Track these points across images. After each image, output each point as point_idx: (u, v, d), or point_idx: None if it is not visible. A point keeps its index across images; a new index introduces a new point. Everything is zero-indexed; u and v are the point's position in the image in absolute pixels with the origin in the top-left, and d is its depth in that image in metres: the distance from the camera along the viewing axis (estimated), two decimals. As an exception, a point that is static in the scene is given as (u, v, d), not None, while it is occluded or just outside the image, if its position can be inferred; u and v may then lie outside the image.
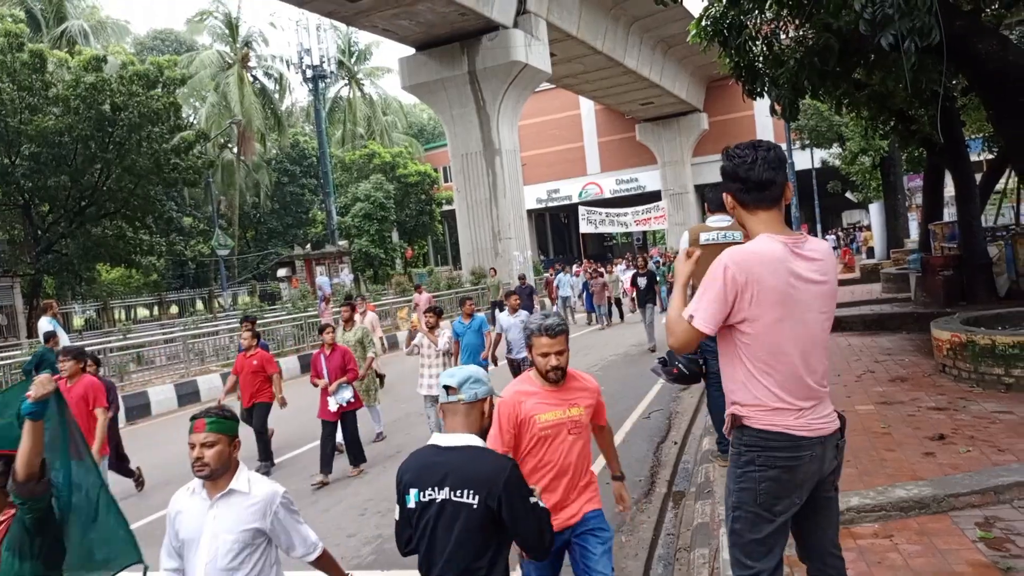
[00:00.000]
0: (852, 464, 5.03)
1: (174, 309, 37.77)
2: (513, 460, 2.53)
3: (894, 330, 11.08)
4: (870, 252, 28.66)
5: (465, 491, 2.34)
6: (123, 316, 35.99)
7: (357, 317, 11.75)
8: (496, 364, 9.22)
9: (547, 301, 24.29)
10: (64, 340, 12.42)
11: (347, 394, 7.48)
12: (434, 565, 2.38)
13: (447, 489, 2.36)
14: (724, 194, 2.52)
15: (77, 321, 31.52)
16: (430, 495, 2.39)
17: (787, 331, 2.34)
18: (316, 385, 7.69)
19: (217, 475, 2.68)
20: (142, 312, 38.90)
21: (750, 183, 2.39)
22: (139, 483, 7.98)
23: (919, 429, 5.69)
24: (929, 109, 10.59)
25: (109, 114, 21.87)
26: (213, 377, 14.57)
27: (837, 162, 26.84)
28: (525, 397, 3.09)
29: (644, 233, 69.77)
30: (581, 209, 23.75)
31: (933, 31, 5.76)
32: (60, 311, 13.56)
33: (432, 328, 7.86)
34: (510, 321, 9.07)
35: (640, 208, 24.79)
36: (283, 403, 7.99)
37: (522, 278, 20.19)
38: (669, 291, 10.51)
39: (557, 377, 3.07)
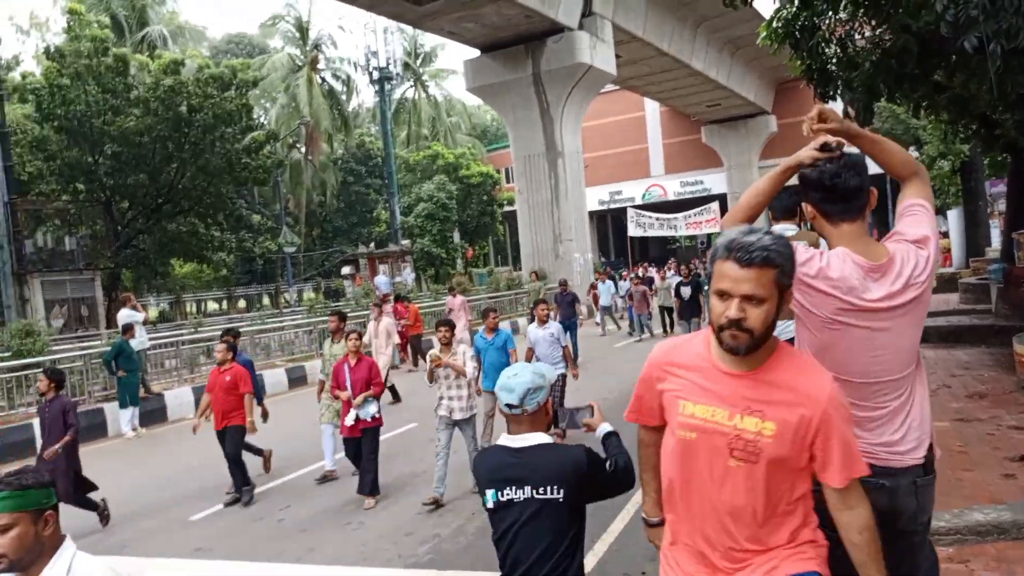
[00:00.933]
0: (925, 484, 4.85)
1: (242, 303, 38.97)
2: (584, 445, 2.53)
3: (973, 343, 10.62)
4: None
5: (549, 487, 2.41)
6: (194, 309, 37.32)
7: (371, 324, 11.98)
8: None
9: (592, 307, 23.48)
10: (141, 332, 12.99)
11: (372, 408, 6.93)
12: (520, 563, 2.43)
13: (528, 488, 2.43)
14: (804, 204, 2.32)
15: (152, 312, 32.84)
16: (508, 495, 2.45)
17: (852, 352, 2.17)
18: (338, 397, 7.13)
19: (23, 566, 1.98)
20: (212, 305, 40.25)
21: (836, 192, 2.19)
22: (104, 517, 6.94)
23: (998, 449, 5.44)
24: (1015, 113, 10.09)
25: (185, 115, 22.74)
26: (278, 372, 14.98)
27: (913, 167, 25.86)
28: (678, 368, 2.02)
29: (709, 236, 68.75)
30: (630, 212, 23.37)
31: (1021, 33, 5.49)
32: (137, 303, 14.14)
33: (447, 343, 6.81)
34: (538, 334, 8.33)
35: (691, 211, 24.17)
36: (252, 429, 7.45)
37: (563, 284, 17.26)
38: None
39: (735, 343, 1.83)
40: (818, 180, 2.22)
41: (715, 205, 25.60)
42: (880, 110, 20.36)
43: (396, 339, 12.05)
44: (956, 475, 4.96)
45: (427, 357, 6.91)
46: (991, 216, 24.37)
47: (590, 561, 4.87)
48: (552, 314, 9.61)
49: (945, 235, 31.55)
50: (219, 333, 17.13)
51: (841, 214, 2.22)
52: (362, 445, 6.86)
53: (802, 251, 2.14)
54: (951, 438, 5.83)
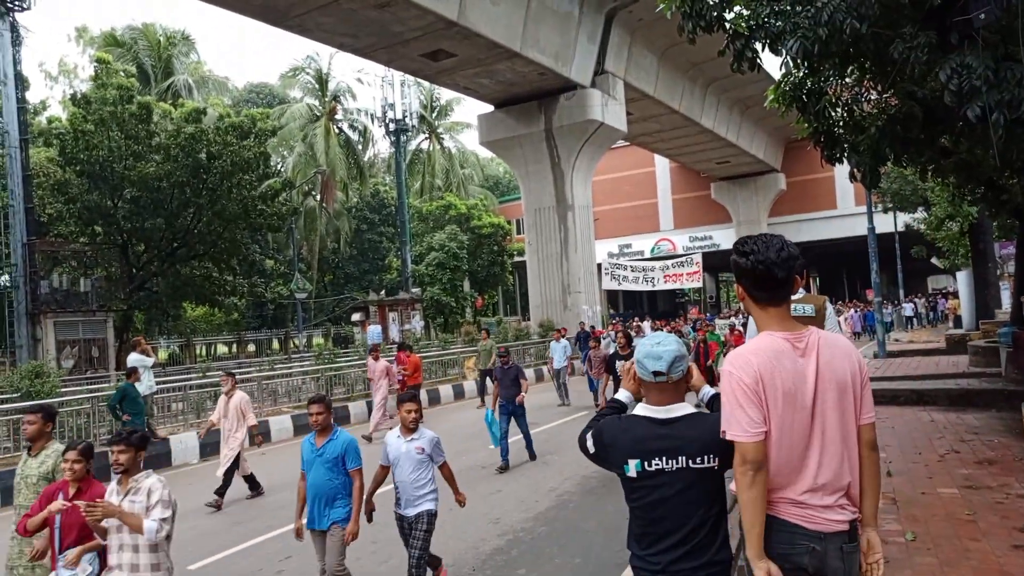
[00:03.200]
0: (932, 553, 4.77)
1: (252, 348, 39.07)
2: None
3: (982, 407, 10.49)
4: (957, 321, 27.35)
5: (706, 456, 2.47)
6: (204, 352, 37.43)
7: (221, 401, 9.56)
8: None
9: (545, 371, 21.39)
10: (149, 377, 13.04)
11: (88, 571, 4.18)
12: (673, 532, 2.50)
13: (683, 458, 2.48)
14: (736, 286, 2.58)
15: (162, 355, 32.96)
16: (657, 465, 2.50)
17: (791, 425, 2.34)
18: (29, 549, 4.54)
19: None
20: (221, 349, 40.37)
21: (765, 282, 2.43)
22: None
23: (1007, 519, 5.35)
24: (1021, 179, 10.20)
25: (204, 162, 23.22)
26: (284, 419, 14.95)
27: (922, 227, 25.94)
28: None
29: (718, 286, 68.20)
30: (604, 263, 21.92)
31: (1023, 104, 5.60)
32: (147, 344, 14.23)
33: (414, 424, 5.27)
34: (399, 448, 5.25)
35: (670, 262, 21.68)
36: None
37: (504, 356, 11.12)
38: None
39: None
40: (751, 269, 2.44)
41: (698, 256, 22.22)
42: (888, 171, 20.56)
43: (252, 419, 9.43)
44: (964, 545, 4.88)
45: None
46: (1001, 278, 24.31)
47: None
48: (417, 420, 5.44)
49: (954, 295, 31.45)
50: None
51: (769, 300, 2.47)
52: None
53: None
54: (959, 506, 5.75)
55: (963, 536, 5.05)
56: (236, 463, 9.19)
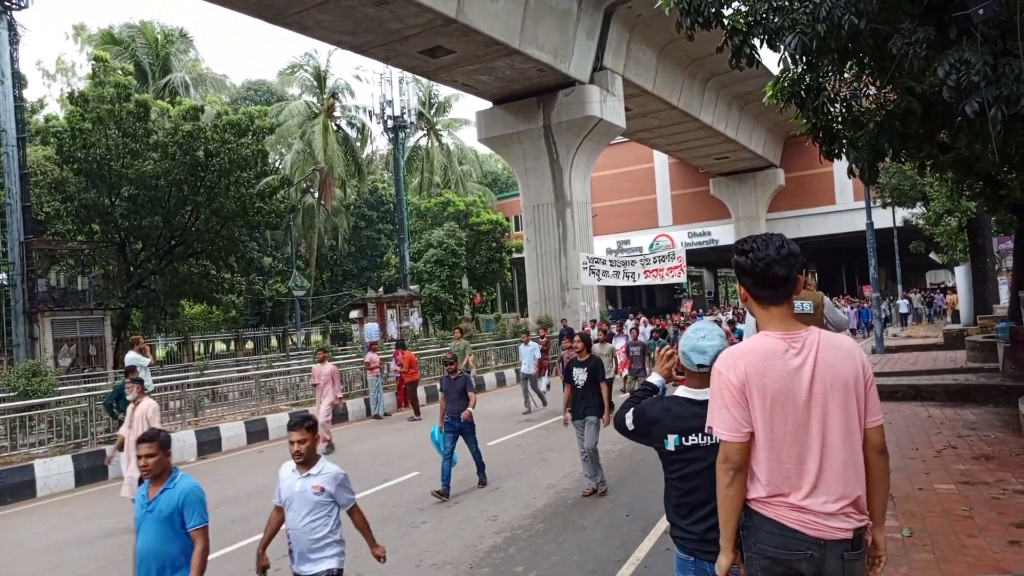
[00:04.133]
0: (929, 549, 4.77)
1: (249, 345, 39.03)
2: None
3: (980, 403, 10.51)
4: (955, 316, 27.37)
5: None
6: (201, 350, 37.40)
7: (129, 409, 8.71)
8: None
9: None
10: (146, 377, 13.00)
11: None
12: (705, 503, 2.72)
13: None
14: (738, 286, 2.59)
15: (160, 352, 32.93)
16: (693, 440, 2.79)
17: (783, 427, 2.33)
18: None
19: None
20: (219, 346, 40.32)
21: (766, 280, 2.43)
22: None
23: (1004, 514, 5.35)
24: (1020, 174, 10.18)
25: (202, 160, 23.16)
26: (281, 416, 14.94)
27: (921, 222, 25.95)
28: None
29: (717, 282, 68.00)
30: (581, 257, 20.79)
31: (1022, 100, 5.58)
32: (145, 344, 14.20)
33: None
34: (293, 487, 4.14)
35: (651, 256, 20.93)
36: None
37: (451, 363, 9.31)
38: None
39: None
40: (751, 268, 2.45)
41: (680, 251, 21.21)
42: (887, 166, 20.55)
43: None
44: (960, 541, 4.88)
45: None
46: (1000, 273, 24.31)
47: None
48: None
49: (952, 290, 31.48)
50: (226, 376, 17.15)
51: (771, 299, 2.46)
52: None
53: None
54: (956, 502, 5.75)
55: (960, 532, 5.05)
56: None
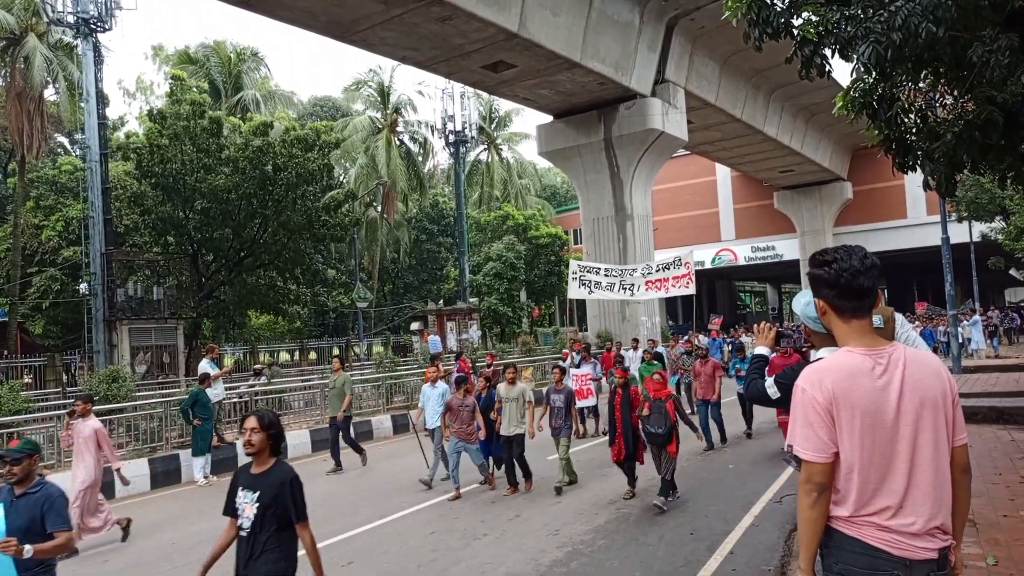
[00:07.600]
0: (1017, 579, 4.53)
1: (313, 355, 39.91)
2: None
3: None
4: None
5: None
6: (267, 360, 38.39)
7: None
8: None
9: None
10: (218, 385, 13.42)
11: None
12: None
13: None
14: (816, 299, 2.50)
15: (228, 361, 33.96)
16: None
17: (871, 446, 2.26)
18: None
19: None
20: (284, 356, 41.35)
21: (850, 291, 2.36)
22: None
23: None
24: (1110, 186, 9.66)
25: (271, 174, 23.90)
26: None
27: (1000, 237, 24.85)
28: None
29: (781, 298, 65.85)
30: (572, 265, 17.62)
31: (1112, 109, 5.31)
32: (219, 354, 14.70)
33: None
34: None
35: (654, 265, 17.20)
36: None
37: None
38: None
39: None
40: (834, 279, 2.37)
41: (688, 257, 17.05)
42: (963, 179, 19.77)
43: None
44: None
45: None
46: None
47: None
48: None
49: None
50: (292, 386, 17.53)
51: (854, 311, 2.38)
52: None
53: None
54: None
55: (1050, 563, 4.79)
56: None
